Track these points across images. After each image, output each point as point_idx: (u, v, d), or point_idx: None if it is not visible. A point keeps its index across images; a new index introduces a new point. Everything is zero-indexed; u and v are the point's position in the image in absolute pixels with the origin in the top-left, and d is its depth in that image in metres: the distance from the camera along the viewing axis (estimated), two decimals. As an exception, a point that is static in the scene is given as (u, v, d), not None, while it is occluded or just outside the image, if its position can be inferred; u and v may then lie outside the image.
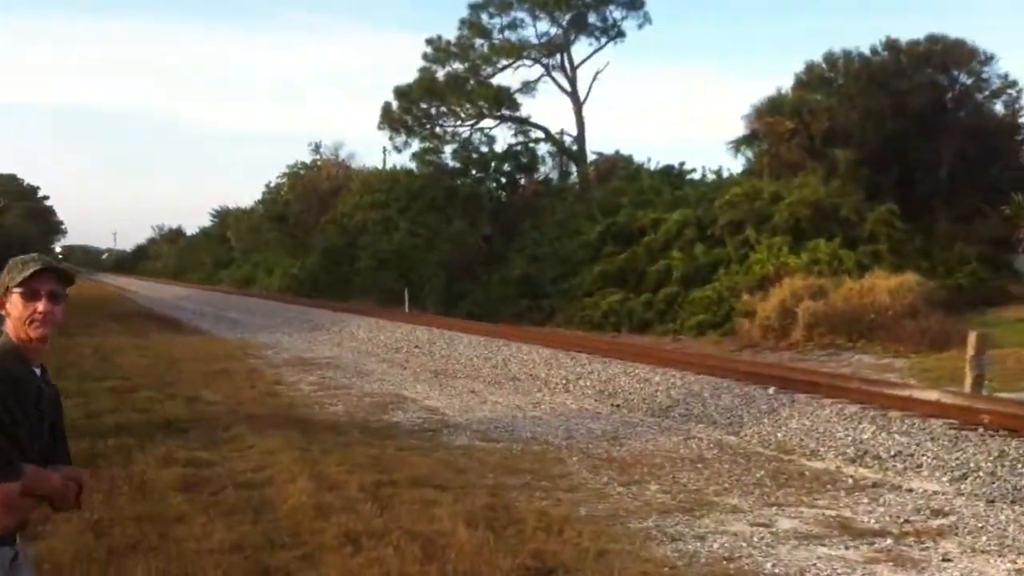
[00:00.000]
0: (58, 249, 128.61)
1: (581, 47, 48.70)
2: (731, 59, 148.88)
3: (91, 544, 6.89)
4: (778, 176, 31.29)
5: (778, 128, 32.87)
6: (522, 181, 43.97)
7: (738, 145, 35.96)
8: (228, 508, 7.96)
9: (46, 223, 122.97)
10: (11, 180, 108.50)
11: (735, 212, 28.80)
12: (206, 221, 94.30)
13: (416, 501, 8.21)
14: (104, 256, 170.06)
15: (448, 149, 45.68)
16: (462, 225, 40.37)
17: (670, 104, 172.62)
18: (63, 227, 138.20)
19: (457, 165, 43.74)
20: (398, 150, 47.99)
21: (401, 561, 6.58)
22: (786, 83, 37.40)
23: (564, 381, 16.74)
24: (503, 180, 42.93)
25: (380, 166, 56.75)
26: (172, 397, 14.11)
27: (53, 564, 6.40)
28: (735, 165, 55.54)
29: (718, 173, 38.16)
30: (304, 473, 9.05)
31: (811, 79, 35.98)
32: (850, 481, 9.66)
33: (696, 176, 39.44)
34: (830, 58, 36.28)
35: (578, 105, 46.50)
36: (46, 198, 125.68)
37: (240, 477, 9.07)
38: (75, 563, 6.47)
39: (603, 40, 46.68)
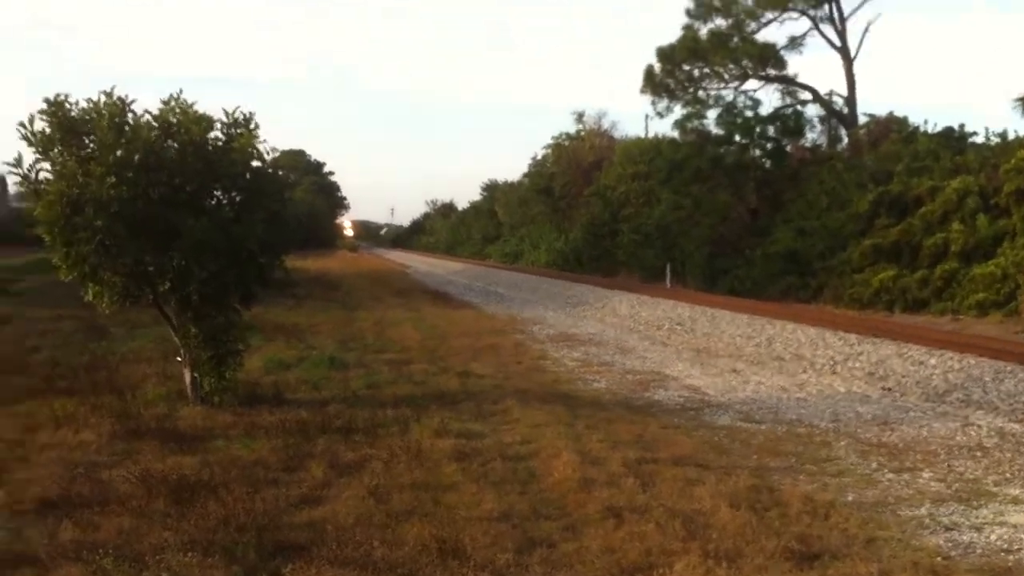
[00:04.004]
0: (347, 224, 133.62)
1: (852, -4, 45.31)
2: (1018, 8, 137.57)
3: (372, 509, 7.42)
4: (1074, 137, 28.81)
5: (1074, 83, 30.28)
6: (788, 147, 41.95)
7: (1027, 103, 33.20)
8: (497, 479, 8.36)
9: (331, 198, 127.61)
10: (300, 155, 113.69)
11: (1022, 179, 26.78)
12: (477, 195, 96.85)
13: (678, 479, 8.30)
14: (383, 231, 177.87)
15: (711, 114, 44.23)
16: (726, 196, 39.37)
17: (950, 59, 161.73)
18: (346, 202, 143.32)
19: (720, 131, 42.31)
20: (660, 116, 46.80)
21: (663, 537, 6.70)
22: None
23: (831, 362, 16.27)
24: (768, 147, 41.13)
25: (642, 135, 56.19)
26: (444, 371, 14.83)
27: (336, 526, 6.95)
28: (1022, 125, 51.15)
29: (1002, 136, 35.23)
30: (568, 447, 9.34)
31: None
32: None
33: (979, 139, 36.50)
34: None
35: (848, 61, 43.63)
36: (331, 173, 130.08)
37: (508, 450, 9.47)
38: (357, 526, 6.99)
39: (876, -13, 43.79)
